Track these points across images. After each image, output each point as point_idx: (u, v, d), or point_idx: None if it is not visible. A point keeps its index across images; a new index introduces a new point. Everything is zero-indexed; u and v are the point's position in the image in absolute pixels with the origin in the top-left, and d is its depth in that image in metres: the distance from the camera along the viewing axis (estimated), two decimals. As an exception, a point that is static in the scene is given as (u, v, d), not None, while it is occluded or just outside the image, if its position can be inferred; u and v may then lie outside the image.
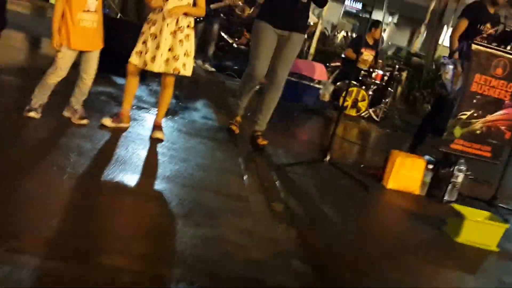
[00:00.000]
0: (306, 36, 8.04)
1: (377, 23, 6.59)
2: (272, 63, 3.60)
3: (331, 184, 3.33)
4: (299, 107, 5.84)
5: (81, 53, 2.91)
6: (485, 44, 3.51)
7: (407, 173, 3.59)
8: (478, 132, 3.45)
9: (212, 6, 6.45)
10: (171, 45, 2.94)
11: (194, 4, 3.01)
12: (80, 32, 2.80)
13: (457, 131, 3.42)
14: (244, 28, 8.08)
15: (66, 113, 3.02)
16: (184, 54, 3.00)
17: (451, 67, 3.58)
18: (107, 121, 3.07)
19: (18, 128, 2.72)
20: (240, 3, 7.02)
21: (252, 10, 8.20)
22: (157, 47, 2.92)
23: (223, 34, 7.82)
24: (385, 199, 3.43)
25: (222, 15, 7.20)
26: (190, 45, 3.03)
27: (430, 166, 3.68)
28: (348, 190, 3.29)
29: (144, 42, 2.95)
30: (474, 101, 3.40)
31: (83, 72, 2.94)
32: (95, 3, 2.83)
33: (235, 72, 6.76)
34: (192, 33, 3.05)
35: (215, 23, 6.69)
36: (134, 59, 2.98)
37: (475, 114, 3.43)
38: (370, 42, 6.57)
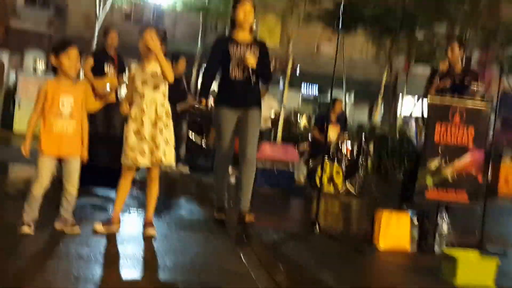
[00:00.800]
0: (270, 125, 8.68)
1: (337, 99, 7.30)
2: (240, 143, 3.98)
3: (326, 252, 3.56)
4: (277, 191, 6.17)
5: (61, 163, 3.09)
6: (440, 96, 4.04)
7: (395, 231, 3.87)
8: (449, 178, 3.85)
9: (178, 108, 6.94)
10: (152, 135, 3.19)
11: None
12: (53, 138, 2.96)
13: (429, 180, 3.81)
14: (212, 126, 8.58)
15: (58, 225, 3.16)
16: (165, 142, 3.22)
17: (413, 123, 4.07)
18: (99, 227, 3.24)
19: (15, 244, 2.86)
20: (196, 103, 7.55)
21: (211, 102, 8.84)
22: (142, 141, 3.16)
23: (190, 134, 8.29)
24: (379, 259, 3.67)
25: (187, 115, 7.73)
26: (169, 133, 3.25)
27: (415, 221, 4.00)
28: (343, 255, 3.52)
29: (127, 141, 3.20)
30: (439, 149, 3.84)
31: (65, 181, 3.10)
32: (69, 109, 3.03)
33: (210, 169, 7.09)
34: (170, 122, 3.30)
35: (183, 124, 7.12)
36: (124, 160, 3.23)
37: (443, 162, 3.85)
38: (333, 118, 7.20)
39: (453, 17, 11.82)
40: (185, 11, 13.22)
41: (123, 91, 7.43)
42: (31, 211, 3.04)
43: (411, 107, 5.13)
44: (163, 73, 3.19)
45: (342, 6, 4.09)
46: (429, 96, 4.06)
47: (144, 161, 3.20)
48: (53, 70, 3.11)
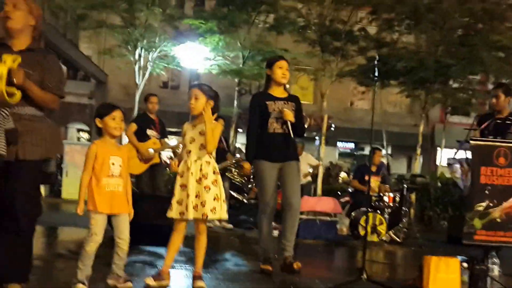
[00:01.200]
0: (310, 179, 8.78)
1: (376, 149, 7.40)
2: (284, 193, 4.18)
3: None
4: (320, 243, 6.19)
5: (112, 219, 3.21)
6: (483, 138, 4.10)
7: (444, 276, 3.81)
8: (498, 220, 3.82)
9: (219, 167, 7.19)
10: (197, 192, 3.29)
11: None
12: (105, 196, 3.10)
13: (477, 223, 3.79)
14: (250, 182, 8.81)
15: (110, 281, 3.24)
16: (214, 199, 3.30)
17: (457, 166, 4.12)
18: (150, 281, 3.33)
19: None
20: (236, 160, 7.77)
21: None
22: (187, 196, 3.31)
23: (232, 192, 8.50)
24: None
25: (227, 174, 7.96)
26: (219, 190, 3.35)
27: (465, 265, 3.94)
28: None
29: (175, 196, 3.36)
30: (486, 192, 3.84)
31: (117, 237, 3.21)
32: (118, 169, 3.16)
33: (252, 223, 7.28)
34: (219, 178, 3.38)
35: (224, 182, 7.29)
36: (170, 213, 3.37)
37: (490, 204, 3.84)
38: (374, 169, 7.26)
39: (487, 65, 11.84)
40: (220, 75, 13.62)
41: (165, 153, 7.79)
42: (85, 268, 3.11)
43: (453, 151, 5.16)
44: (205, 141, 3.32)
45: (376, 61, 4.27)
46: (472, 138, 4.12)
47: (189, 216, 3.30)
48: (98, 133, 3.27)
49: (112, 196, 3.14)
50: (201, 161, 3.34)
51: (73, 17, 12.16)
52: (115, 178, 3.15)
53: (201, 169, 3.33)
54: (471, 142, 4.03)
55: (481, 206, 3.85)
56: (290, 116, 4.03)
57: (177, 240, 3.46)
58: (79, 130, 21.37)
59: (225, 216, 3.46)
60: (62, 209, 8.26)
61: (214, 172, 3.38)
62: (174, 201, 3.37)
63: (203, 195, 3.29)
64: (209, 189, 3.30)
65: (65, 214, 7.65)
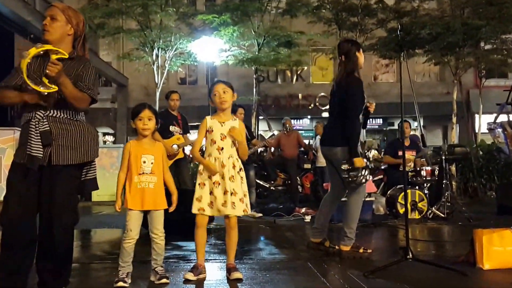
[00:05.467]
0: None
1: (403, 121, 7.10)
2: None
3: (425, 278, 3.35)
4: (357, 225, 5.97)
5: (147, 215, 3.27)
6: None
7: (499, 249, 3.59)
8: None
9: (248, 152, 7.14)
10: (232, 189, 3.35)
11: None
12: (137, 193, 3.20)
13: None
14: (276, 168, 8.69)
15: (152, 277, 3.32)
16: (244, 195, 3.40)
17: (500, 130, 3.84)
18: (190, 275, 3.33)
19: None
20: (263, 144, 7.71)
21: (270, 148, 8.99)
22: (225, 192, 3.33)
23: (258, 180, 8.40)
24: (488, 279, 3.39)
25: (254, 163, 7.88)
26: (245, 186, 3.45)
27: (521, 235, 3.68)
28: (446, 280, 3.29)
29: (211, 192, 3.35)
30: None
31: (151, 232, 3.28)
32: (150, 166, 3.26)
33: (281, 211, 7.16)
34: (244, 176, 3.48)
35: (250, 170, 7.25)
36: (195, 209, 3.36)
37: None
38: (407, 143, 6.98)
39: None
40: (237, 65, 13.70)
41: (188, 148, 7.78)
42: (126, 266, 3.22)
43: (493, 116, 4.83)
44: (240, 152, 3.45)
45: (399, 31, 4.02)
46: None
47: (225, 211, 3.34)
48: (134, 132, 3.38)
49: (144, 192, 3.22)
50: (233, 159, 3.42)
51: (92, 26, 12.39)
52: (146, 176, 3.24)
53: (234, 166, 3.40)
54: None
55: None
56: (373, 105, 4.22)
57: (203, 234, 3.47)
58: (104, 134, 21.98)
59: (249, 211, 3.55)
60: (93, 211, 8.40)
61: (240, 169, 3.46)
62: (205, 197, 3.36)
63: (237, 190, 3.36)
64: (240, 186, 3.39)
65: (97, 216, 7.83)
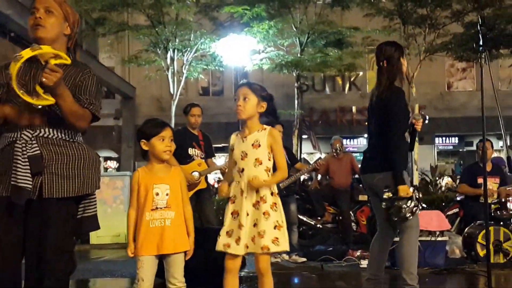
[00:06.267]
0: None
1: (485, 140, 7.15)
2: None
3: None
4: (426, 271, 6.04)
5: (164, 261, 3.29)
6: None
7: None
8: None
9: (281, 185, 7.22)
10: (255, 220, 3.33)
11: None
12: (150, 234, 3.19)
13: None
14: (323, 202, 8.78)
15: None
16: (274, 227, 3.32)
17: None
18: None
19: None
20: (312, 168, 7.74)
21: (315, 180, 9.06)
22: (239, 226, 3.33)
23: (301, 216, 8.51)
24: None
25: (295, 194, 8.00)
26: (280, 215, 3.37)
27: None
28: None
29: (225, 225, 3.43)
30: None
31: (168, 281, 3.28)
32: (165, 199, 3.23)
33: (331, 254, 7.25)
34: (278, 201, 3.40)
35: (291, 204, 7.28)
36: (218, 246, 3.41)
37: None
38: (488, 168, 7.02)
39: None
40: (274, 70, 13.70)
41: (212, 176, 7.90)
42: None
43: None
44: (278, 168, 3.45)
45: (479, 26, 4.15)
46: None
47: (237, 250, 3.33)
48: (143, 156, 3.39)
49: (158, 233, 3.22)
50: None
51: (89, 22, 12.61)
52: (161, 211, 3.24)
53: (257, 191, 3.37)
54: None
55: None
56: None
57: (233, 281, 3.48)
58: (106, 159, 21.94)
59: (286, 248, 3.45)
60: (92, 256, 8.53)
61: (272, 194, 3.42)
62: (223, 233, 3.42)
63: (261, 223, 3.33)
64: (269, 215, 3.34)
65: (97, 262, 7.88)
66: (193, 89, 21.32)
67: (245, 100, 3.43)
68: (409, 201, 4.02)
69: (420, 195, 4.20)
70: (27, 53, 2.49)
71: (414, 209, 4.07)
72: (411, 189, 4.13)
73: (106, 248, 9.27)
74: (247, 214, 3.36)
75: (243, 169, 3.41)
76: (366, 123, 4.59)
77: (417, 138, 4.45)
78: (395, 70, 4.27)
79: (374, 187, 4.34)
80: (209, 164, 6.59)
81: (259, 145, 3.42)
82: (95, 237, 9.54)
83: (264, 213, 3.34)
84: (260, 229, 3.31)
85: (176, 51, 12.93)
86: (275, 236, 3.33)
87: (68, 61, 2.65)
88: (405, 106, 4.28)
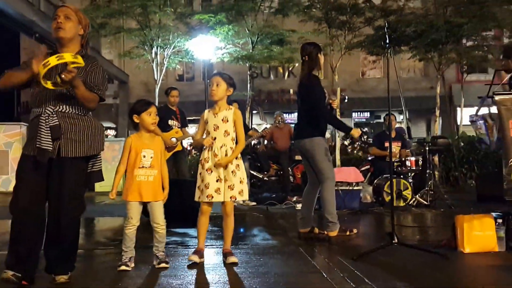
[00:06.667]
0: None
1: (389, 114, 7.12)
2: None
3: (410, 261, 3.38)
4: (345, 212, 6.01)
5: (148, 206, 3.27)
6: (507, 92, 3.81)
7: (479, 234, 3.63)
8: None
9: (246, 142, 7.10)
10: (225, 177, 3.33)
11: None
12: (136, 186, 3.21)
13: (515, 177, 3.54)
14: (269, 160, 8.71)
15: (154, 261, 3.33)
16: (240, 182, 3.35)
17: (481, 122, 3.85)
18: (195, 258, 3.36)
19: (116, 280, 2.99)
20: (260, 134, 7.74)
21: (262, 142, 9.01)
22: (218, 180, 3.31)
23: (252, 171, 8.41)
24: (469, 262, 3.42)
25: (247, 155, 7.88)
26: (242, 173, 3.40)
27: (500, 220, 3.72)
28: (430, 263, 3.32)
29: (203, 180, 3.35)
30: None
31: (153, 222, 3.29)
32: (149, 160, 3.26)
33: (274, 199, 7.22)
34: (241, 162, 3.43)
35: (244, 162, 7.18)
36: (200, 197, 3.36)
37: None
38: (393, 135, 7.01)
39: (500, 20, 11.31)
40: (232, 62, 13.67)
41: (185, 141, 7.74)
42: (128, 251, 3.26)
43: (473, 110, 4.82)
44: (238, 140, 3.42)
45: (386, 28, 4.02)
46: (495, 93, 3.82)
47: (219, 198, 3.34)
48: (134, 127, 3.36)
49: (142, 185, 3.23)
50: (226, 147, 3.37)
51: (94, 26, 12.36)
52: (145, 169, 3.25)
53: (226, 155, 3.34)
54: (496, 97, 3.75)
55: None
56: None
57: (205, 220, 3.50)
58: (106, 128, 22.01)
59: (246, 197, 3.48)
60: (96, 201, 8.41)
61: (236, 158, 3.40)
62: (202, 185, 3.37)
63: (230, 179, 3.33)
64: (235, 173, 3.34)
65: (100, 205, 7.83)
66: (171, 76, 21.14)
67: (217, 86, 3.43)
68: (362, 136, 4.19)
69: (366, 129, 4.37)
70: (53, 61, 2.58)
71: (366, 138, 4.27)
72: (359, 129, 4.46)
73: (106, 195, 8.98)
74: (211, 172, 3.34)
75: (215, 138, 3.39)
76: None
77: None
78: (313, 63, 4.30)
79: (301, 149, 4.38)
80: (184, 132, 6.58)
81: (227, 121, 3.41)
82: (98, 186, 9.61)
83: (232, 172, 3.35)
84: (230, 183, 3.33)
85: (159, 47, 12.98)
86: (240, 188, 3.37)
87: (82, 64, 2.69)
88: (322, 89, 4.29)
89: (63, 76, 2.58)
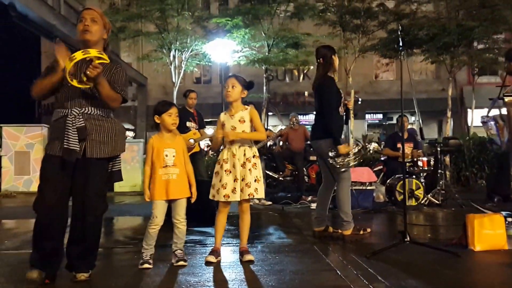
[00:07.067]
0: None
1: (402, 116, 7.09)
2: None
3: (421, 259, 3.38)
4: (358, 212, 6.00)
5: (171, 203, 3.29)
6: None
7: (490, 232, 3.61)
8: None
9: (259, 145, 7.13)
10: (243, 175, 3.34)
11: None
12: (161, 185, 3.22)
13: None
14: (284, 161, 8.72)
15: (173, 259, 3.35)
16: (255, 180, 3.35)
17: (492, 123, 3.82)
18: (212, 258, 3.37)
19: (135, 278, 3.03)
20: (278, 134, 7.71)
21: (278, 142, 9.03)
22: (235, 180, 3.34)
23: (268, 171, 8.44)
24: (479, 260, 3.41)
25: (263, 155, 7.91)
26: (258, 172, 3.39)
27: (510, 219, 3.70)
28: (441, 261, 3.31)
29: (221, 180, 3.37)
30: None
31: (174, 218, 3.30)
32: (172, 159, 3.26)
33: (289, 199, 7.23)
34: (258, 161, 3.43)
35: (261, 162, 7.25)
36: (216, 196, 3.38)
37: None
38: (405, 136, 6.97)
39: (511, 23, 11.16)
40: (248, 64, 13.63)
41: (203, 142, 7.81)
42: (149, 248, 3.28)
43: (484, 111, 4.79)
44: (256, 129, 3.43)
45: (399, 31, 4.01)
46: (505, 94, 3.80)
47: (235, 197, 3.35)
48: (156, 127, 3.37)
49: (167, 184, 3.24)
50: (244, 147, 3.38)
51: (113, 30, 12.46)
52: (169, 168, 3.26)
53: (244, 154, 3.36)
54: (506, 98, 3.72)
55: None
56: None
57: (223, 219, 3.51)
58: (125, 130, 22.13)
59: (263, 195, 3.48)
60: (115, 201, 8.48)
61: (254, 156, 3.42)
62: (219, 185, 3.37)
63: (247, 177, 3.34)
64: (252, 172, 3.35)
65: (119, 205, 7.85)
66: (189, 79, 21.23)
67: (232, 88, 3.43)
68: (346, 157, 3.99)
69: (362, 152, 4.21)
70: (79, 55, 2.55)
71: (353, 160, 4.05)
72: (356, 149, 4.14)
73: (126, 195, 9.37)
74: (230, 172, 3.36)
75: (233, 139, 3.37)
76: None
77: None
78: (328, 66, 4.26)
79: (317, 150, 4.36)
80: (201, 133, 6.62)
81: (244, 121, 3.41)
82: (118, 187, 9.69)
83: (249, 170, 3.34)
84: (247, 181, 3.32)
85: (177, 51, 13.01)
86: (256, 187, 3.35)
87: (107, 61, 2.71)
88: (336, 90, 4.22)
89: (88, 72, 2.56)
